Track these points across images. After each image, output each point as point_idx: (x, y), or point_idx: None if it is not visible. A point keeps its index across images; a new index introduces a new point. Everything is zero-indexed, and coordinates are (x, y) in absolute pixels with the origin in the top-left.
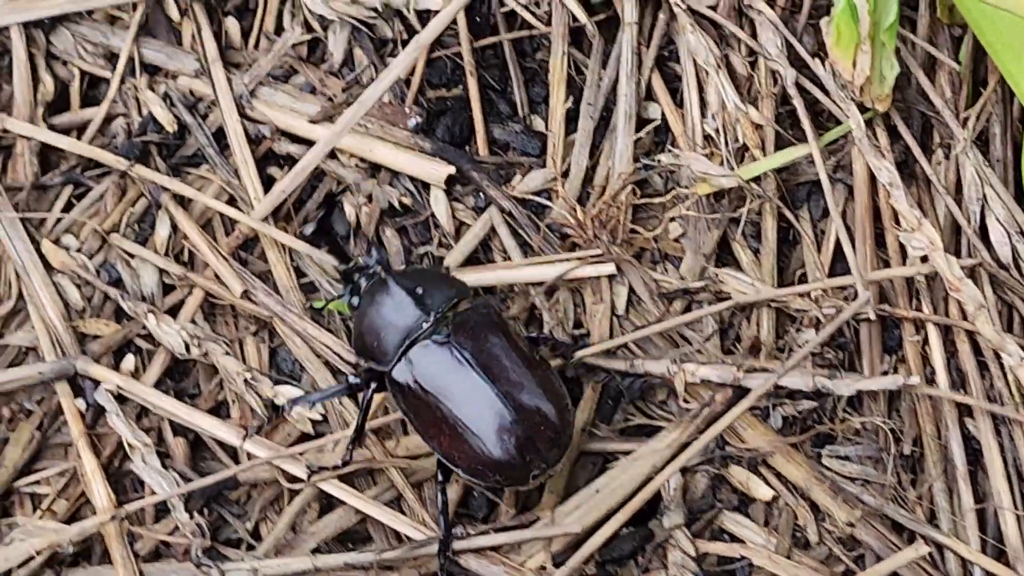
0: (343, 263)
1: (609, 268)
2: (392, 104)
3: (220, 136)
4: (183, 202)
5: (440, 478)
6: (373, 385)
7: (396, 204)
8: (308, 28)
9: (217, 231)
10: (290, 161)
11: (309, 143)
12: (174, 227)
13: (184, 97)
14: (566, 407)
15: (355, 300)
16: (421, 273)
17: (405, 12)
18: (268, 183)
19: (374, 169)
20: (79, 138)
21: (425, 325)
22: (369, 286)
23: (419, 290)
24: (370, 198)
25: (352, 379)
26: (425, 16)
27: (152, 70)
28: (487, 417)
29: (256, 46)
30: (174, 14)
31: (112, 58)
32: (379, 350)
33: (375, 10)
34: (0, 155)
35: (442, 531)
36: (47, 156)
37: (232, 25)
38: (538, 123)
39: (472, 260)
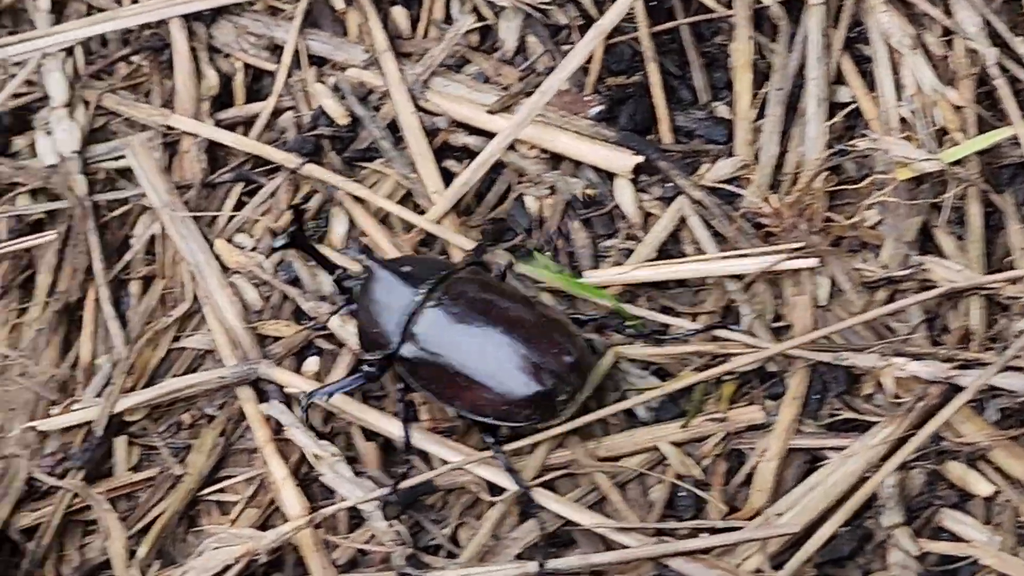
0: (331, 273)
1: (811, 262)
2: (570, 92)
3: (392, 129)
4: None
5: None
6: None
7: (580, 196)
8: (479, 16)
9: (396, 225)
10: (467, 153)
11: (486, 134)
12: (351, 223)
13: (355, 89)
14: (575, 332)
15: (354, 306)
16: (406, 256)
17: None
18: (444, 176)
19: (555, 160)
20: (246, 134)
21: (418, 298)
22: (359, 283)
23: (405, 268)
24: (553, 190)
25: (368, 369)
26: (600, 1)
27: (318, 62)
28: (501, 356)
29: (425, 35)
30: (339, 4)
31: (275, 50)
32: (383, 336)
33: None
34: (166, 153)
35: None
36: (214, 153)
37: (400, 14)
38: (721, 110)
39: (662, 252)
